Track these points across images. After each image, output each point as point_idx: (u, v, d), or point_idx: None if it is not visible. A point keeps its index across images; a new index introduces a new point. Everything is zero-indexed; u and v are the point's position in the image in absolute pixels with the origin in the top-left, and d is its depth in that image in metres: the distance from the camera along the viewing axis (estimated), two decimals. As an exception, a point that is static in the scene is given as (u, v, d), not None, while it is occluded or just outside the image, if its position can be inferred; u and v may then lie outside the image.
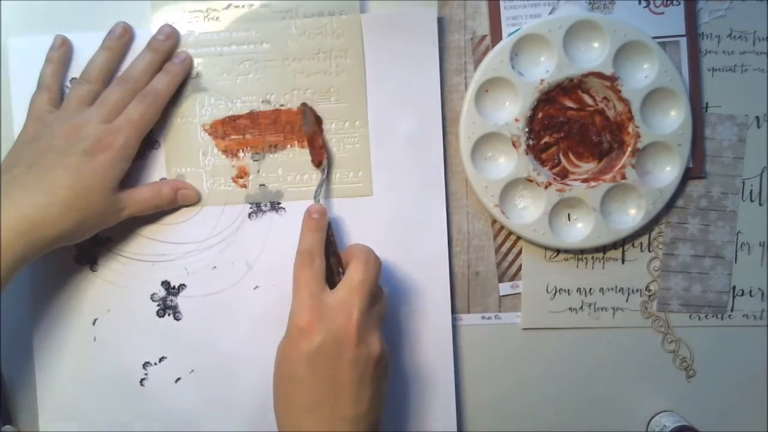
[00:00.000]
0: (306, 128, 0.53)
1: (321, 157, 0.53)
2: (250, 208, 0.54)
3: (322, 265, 0.47)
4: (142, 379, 0.54)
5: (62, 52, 0.52)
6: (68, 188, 0.46)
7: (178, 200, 0.53)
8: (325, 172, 0.53)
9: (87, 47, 0.52)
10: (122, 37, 0.52)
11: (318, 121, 0.53)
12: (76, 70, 0.52)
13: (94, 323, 0.54)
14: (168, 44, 0.52)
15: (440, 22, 0.54)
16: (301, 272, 0.47)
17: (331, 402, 0.44)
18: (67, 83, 0.53)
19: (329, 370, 0.44)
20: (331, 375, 0.44)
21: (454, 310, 0.56)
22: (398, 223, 0.54)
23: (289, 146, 0.54)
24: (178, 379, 0.54)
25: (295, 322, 0.45)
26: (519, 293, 0.56)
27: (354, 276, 0.46)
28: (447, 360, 0.55)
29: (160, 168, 0.54)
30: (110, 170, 0.48)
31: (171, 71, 0.52)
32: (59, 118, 0.49)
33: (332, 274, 0.48)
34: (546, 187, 0.54)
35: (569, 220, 0.55)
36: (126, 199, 0.50)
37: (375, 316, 0.47)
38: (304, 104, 0.53)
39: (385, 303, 0.49)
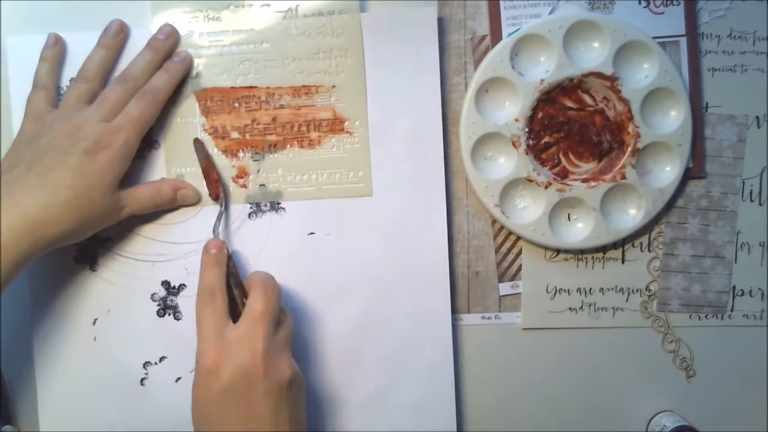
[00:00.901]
0: (200, 163, 0.53)
1: (217, 191, 0.53)
2: (250, 208, 0.54)
3: (224, 300, 0.47)
4: (142, 379, 0.54)
5: (56, 50, 0.52)
6: (70, 188, 0.46)
7: (177, 200, 0.53)
8: (223, 205, 0.53)
9: (86, 47, 0.52)
10: (118, 35, 0.52)
11: (208, 156, 0.53)
12: (75, 71, 0.52)
13: (94, 323, 0.54)
14: (168, 43, 0.52)
15: (440, 22, 0.54)
16: (204, 311, 0.46)
17: None
18: (68, 83, 0.53)
19: (243, 406, 0.44)
20: (245, 410, 0.44)
21: (454, 310, 0.55)
22: (398, 223, 0.54)
23: (288, 146, 0.54)
24: (179, 378, 0.54)
25: (202, 363, 0.44)
26: (519, 293, 0.56)
27: (255, 307, 0.46)
28: (447, 360, 0.55)
29: (160, 168, 0.54)
30: (111, 169, 0.48)
31: (171, 69, 0.52)
32: (58, 117, 0.49)
33: (236, 306, 0.48)
34: (546, 187, 0.54)
35: (569, 220, 0.55)
36: (126, 197, 0.50)
37: (281, 341, 0.46)
38: (196, 140, 0.53)
39: (290, 324, 0.49)
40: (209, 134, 0.54)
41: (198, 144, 0.53)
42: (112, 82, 0.51)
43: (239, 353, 0.44)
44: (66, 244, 0.48)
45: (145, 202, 0.52)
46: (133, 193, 0.51)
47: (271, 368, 0.44)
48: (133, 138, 0.49)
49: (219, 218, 0.52)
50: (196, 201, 0.54)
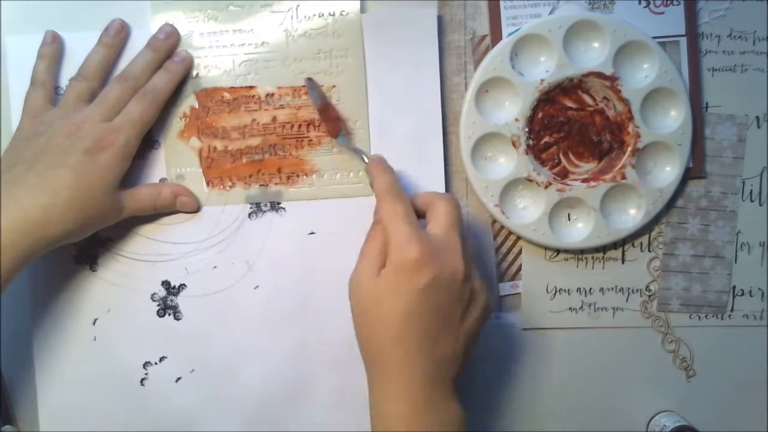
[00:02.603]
0: (318, 102, 0.52)
1: (339, 127, 0.52)
2: (250, 208, 0.54)
3: (409, 200, 0.46)
4: (142, 379, 0.54)
5: (54, 47, 0.52)
6: (70, 188, 0.46)
7: (176, 206, 0.53)
8: (350, 139, 0.52)
9: (85, 47, 0.52)
10: (119, 34, 0.52)
11: (323, 95, 0.52)
12: (75, 71, 0.52)
13: (94, 323, 0.54)
14: (168, 43, 0.52)
15: (440, 22, 0.54)
16: (395, 205, 0.45)
17: (436, 339, 0.43)
18: (67, 83, 0.53)
19: (438, 306, 0.43)
20: (438, 311, 0.43)
21: (454, 310, 0.56)
22: (398, 223, 0.54)
23: (288, 146, 0.54)
24: (179, 378, 0.55)
25: (404, 256, 0.43)
26: (519, 293, 0.56)
27: (445, 214, 0.45)
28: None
29: (160, 168, 0.54)
30: (111, 169, 0.48)
31: (171, 69, 0.52)
32: (58, 115, 0.49)
33: None
34: (546, 187, 0.54)
35: (569, 220, 0.55)
36: (126, 198, 0.50)
37: (471, 254, 0.46)
38: (309, 79, 0.52)
39: (473, 244, 0.48)
40: (209, 134, 0.54)
41: (312, 82, 0.52)
42: (112, 81, 0.51)
43: (444, 254, 0.44)
44: (66, 243, 0.48)
45: (144, 203, 0.52)
46: (133, 194, 0.51)
47: (467, 278, 0.44)
48: (134, 138, 0.49)
49: (357, 149, 0.52)
50: (195, 209, 0.54)
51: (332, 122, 0.52)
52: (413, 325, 0.43)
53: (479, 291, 0.46)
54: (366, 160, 0.50)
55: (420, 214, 0.47)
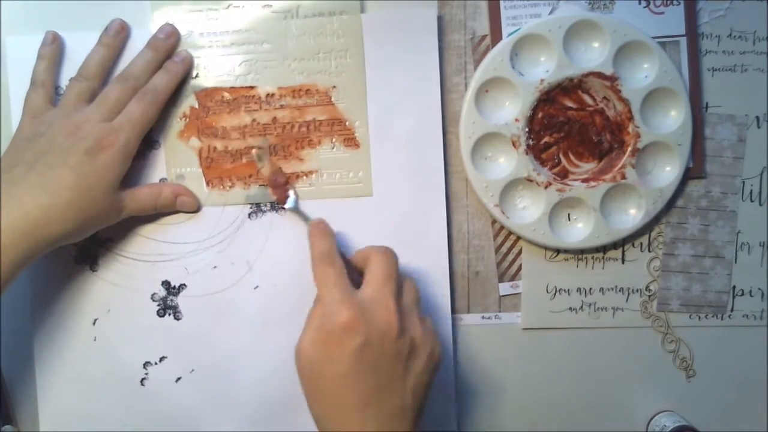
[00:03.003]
0: (264, 171, 0.53)
1: (286, 194, 0.53)
2: (250, 208, 0.54)
3: (342, 265, 0.47)
4: (142, 379, 0.54)
5: (54, 47, 0.52)
6: (71, 188, 0.46)
7: (177, 205, 0.53)
8: (296, 200, 0.53)
9: (85, 47, 0.52)
10: (119, 34, 0.52)
11: (273, 163, 0.53)
12: (75, 71, 0.52)
13: (94, 323, 0.54)
14: (168, 43, 0.52)
15: (440, 22, 0.54)
16: (326, 272, 0.46)
17: (380, 398, 0.44)
18: (67, 83, 0.53)
19: (375, 366, 0.44)
20: (377, 370, 0.44)
21: (454, 310, 0.56)
22: (398, 223, 0.54)
23: (288, 146, 0.54)
24: (179, 378, 0.55)
25: (335, 320, 0.44)
26: (519, 293, 0.56)
27: (377, 270, 0.46)
28: (447, 360, 0.55)
29: (160, 168, 0.54)
30: (112, 169, 0.48)
31: (171, 69, 0.52)
32: (58, 115, 0.49)
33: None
34: (546, 187, 0.54)
35: (569, 220, 0.55)
36: (126, 198, 0.50)
37: (410, 304, 0.47)
38: (260, 148, 0.53)
39: (414, 286, 0.48)
40: (209, 134, 0.54)
41: (260, 152, 0.53)
42: (112, 81, 0.51)
43: (375, 313, 0.44)
44: (66, 243, 0.48)
45: (144, 203, 0.52)
46: (134, 194, 0.51)
47: (403, 330, 0.44)
48: (134, 138, 0.49)
49: (300, 211, 0.53)
50: (195, 209, 0.54)
51: (280, 189, 0.53)
52: (353, 387, 0.43)
53: (421, 341, 0.45)
54: (309, 222, 0.51)
55: (359, 272, 0.48)
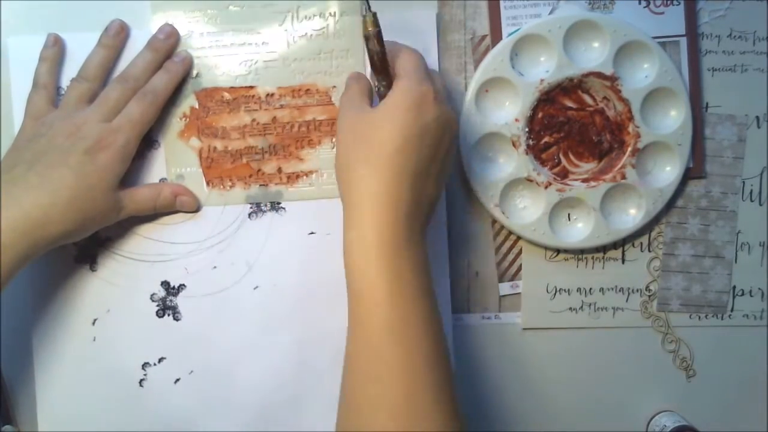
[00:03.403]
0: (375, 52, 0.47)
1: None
2: (250, 208, 0.54)
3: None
4: (141, 380, 0.54)
5: (56, 50, 0.52)
6: (71, 188, 0.46)
7: (176, 205, 0.53)
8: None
9: (86, 47, 0.52)
10: (119, 35, 0.52)
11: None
12: (75, 71, 0.52)
13: (93, 323, 0.54)
14: (168, 43, 0.52)
15: (440, 22, 0.54)
16: (412, 55, 0.48)
17: (426, 176, 0.45)
18: (68, 83, 0.53)
19: (435, 145, 0.45)
20: (434, 149, 0.45)
21: (454, 310, 0.56)
22: (398, 223, 0.54)
23: (288, 146, 0.54)
24: (178, 379, 0.54)
25: (418, 89, 0.44)
26: (519, 293, 0.56)
27: (407, 64, 0.46)
28: (447, 360, 0.55)
29: (160, 168, 0.54)
30: (111, 169, 0.48)
31: (171, 70, 0.52)
32: (58, 116, 0.49)
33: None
34: (546, 187, 0.54)
35: (569, 220, 0.55)
36: (126, 198, 0.50)
37: (441, 90, 0.48)
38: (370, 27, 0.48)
39: (440, 76, 0.51)
40: (209, 134, 0.54)
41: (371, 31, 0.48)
42: (112, 81, 0.51)
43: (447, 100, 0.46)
44: (66, 242, 0.48)
45: (144, 203, 0.52)
46: (133, 194, 0.51)
47: (456, 125, 0.47)
48: (134, 138, 0.49)
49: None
50: (195, 209, 0.54)
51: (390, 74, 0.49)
52: (410, 156, 0.43)
53: (454, 121, 0.47)
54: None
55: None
